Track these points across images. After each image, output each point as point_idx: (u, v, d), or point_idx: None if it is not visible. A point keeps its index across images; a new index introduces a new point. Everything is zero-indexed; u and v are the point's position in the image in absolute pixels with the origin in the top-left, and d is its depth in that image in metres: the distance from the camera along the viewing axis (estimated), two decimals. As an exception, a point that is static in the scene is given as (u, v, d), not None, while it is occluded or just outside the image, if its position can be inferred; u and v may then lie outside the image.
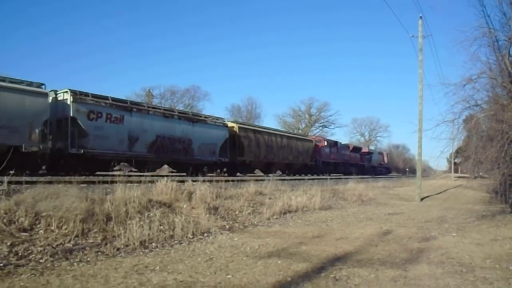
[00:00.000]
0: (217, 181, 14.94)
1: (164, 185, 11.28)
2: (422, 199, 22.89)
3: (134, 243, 7.72)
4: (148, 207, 9.74)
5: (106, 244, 7.53)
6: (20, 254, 6.43)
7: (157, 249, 7.75)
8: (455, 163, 68.45)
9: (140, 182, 11.59)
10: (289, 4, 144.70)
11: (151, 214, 9.22)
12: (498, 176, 11.94)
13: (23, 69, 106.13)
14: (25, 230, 7.27)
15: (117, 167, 23.20)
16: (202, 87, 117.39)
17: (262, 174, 34.85)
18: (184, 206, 10.80)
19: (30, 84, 18.50)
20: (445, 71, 66.76)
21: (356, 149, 63.77)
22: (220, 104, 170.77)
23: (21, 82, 18.23)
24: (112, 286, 5.37)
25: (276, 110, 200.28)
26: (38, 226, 7.52)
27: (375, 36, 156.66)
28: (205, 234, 9.30)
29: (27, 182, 10.21)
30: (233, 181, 17.13)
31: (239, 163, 32.37)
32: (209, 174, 24.05)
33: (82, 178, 14.52)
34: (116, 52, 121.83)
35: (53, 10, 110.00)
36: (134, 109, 23.93)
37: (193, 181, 12.99)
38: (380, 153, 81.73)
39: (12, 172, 9.75)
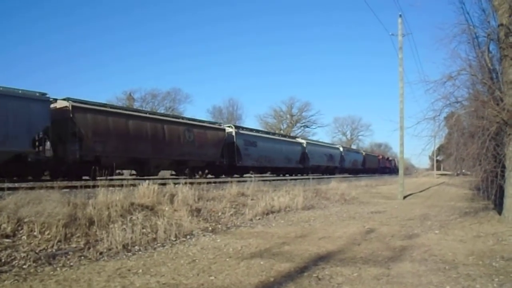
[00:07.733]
0: (199, 183, 14.92)
1: (146, 188, 11.20)
2: (404, 197, 23.01)
3: (117, 247, 7.70)
4: (131, 210, 9.71)
5: (89, 248, 7.52)
6: (3, 261, 6.40)
7: (140, 252, 7.73)
8: (437, 161, 69.31)
9: (122, 186, 11.52)
10: (269, 5, 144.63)
11: (134, 218, 9.22)
12: (480, 172, 11.99)
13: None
14: (7, 236, 7.22)
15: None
16: (183, 90, 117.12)
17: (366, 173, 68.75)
18: (167, 208, 10.78)
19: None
20: (425, 69, 66.96)
21: (387, 158, 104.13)
22: (201, 106, 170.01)
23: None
24: (95, 291, 5.35)
25: (257, 111, 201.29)
26: (20, 232, 7.47)
27: (356, 35, 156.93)
28: (188, 236, 9.28)
29: (9, 189, 10.09)
30: (215, 182, 17.30)
31: (366, 169, 72.52)
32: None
33: (65, 183, 14.37)
34: (96, 56, 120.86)
35: (30, 16, 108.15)
36: (350, 151, 70.79)
37: (175, 183, 12.97)
38: (393, 159, 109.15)
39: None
